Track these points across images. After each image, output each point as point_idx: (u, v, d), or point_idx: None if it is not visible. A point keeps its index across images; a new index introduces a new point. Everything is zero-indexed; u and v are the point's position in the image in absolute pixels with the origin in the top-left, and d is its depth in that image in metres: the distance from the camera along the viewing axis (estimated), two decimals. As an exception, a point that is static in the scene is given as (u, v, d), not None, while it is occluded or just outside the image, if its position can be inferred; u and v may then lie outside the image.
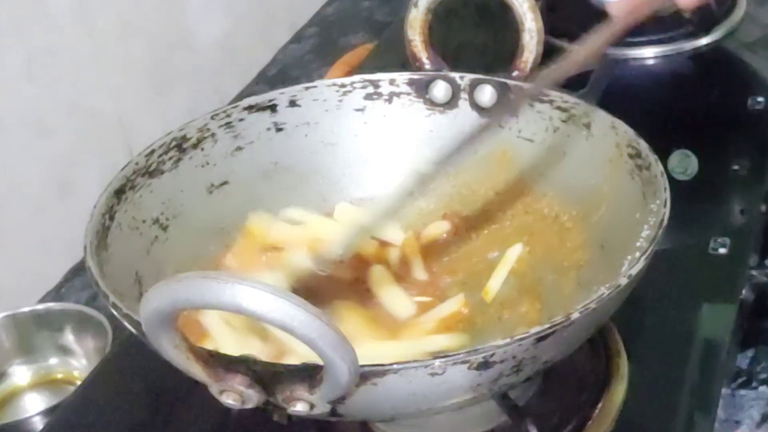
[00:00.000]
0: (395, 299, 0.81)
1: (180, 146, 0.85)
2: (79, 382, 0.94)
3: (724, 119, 1.08)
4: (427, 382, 0.61)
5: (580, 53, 0.80)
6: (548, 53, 0.94)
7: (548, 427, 0.77)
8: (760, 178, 0.99)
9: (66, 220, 1.08)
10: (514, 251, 0.83)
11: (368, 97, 0.90)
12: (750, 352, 0.88)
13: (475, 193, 0.89)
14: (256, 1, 1.38)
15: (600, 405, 0.78)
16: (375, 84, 0.90)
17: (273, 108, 0.89)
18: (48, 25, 1.05)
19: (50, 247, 1.09)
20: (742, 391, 0.85)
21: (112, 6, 1.12)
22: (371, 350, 0.74)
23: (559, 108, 0.85)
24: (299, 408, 0.60)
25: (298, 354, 0.66)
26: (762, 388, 0.85)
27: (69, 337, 1.00)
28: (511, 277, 0.83)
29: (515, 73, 0.91)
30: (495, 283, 0.82)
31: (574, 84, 0.94)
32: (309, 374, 0.59)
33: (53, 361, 1.01)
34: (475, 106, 0.89)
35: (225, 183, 0.87)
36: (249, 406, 0.61)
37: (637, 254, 0.70)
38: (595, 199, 0.81)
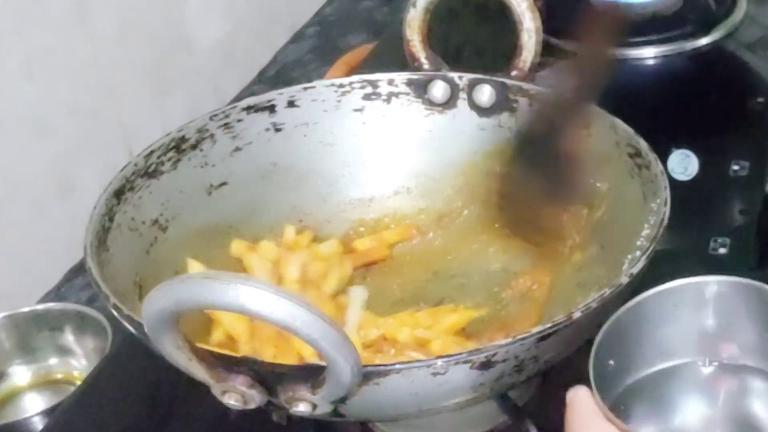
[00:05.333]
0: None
1: (179, 147, 0.85)
2: (78, 382, 0.94)
3: (724, 119, 1.08)
4: (429, 382, 0.62)
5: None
6: (547, 53, 0.94)
7: (548, 427, 0.77)
8: (760, 178, 0.99)
9: (66, 221, 1.08)
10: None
11: (367, 97, 0.90)
12: (750, 352, 0.88)
13: (475, 192, 0.89)
14: (255, 1, 1.37)
15: (600, 405, 0.78)
16: (374, 84, 0.90)
17: (272, 108, 0.89)
18: (48, 25, 1.05)
19: (50, 247, 1.09)
20: (742, 391, 0.85)
21: (111, 6, 1.12)
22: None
23: (558, 108, 0.85)
24: (301, 408, 0.60)
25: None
26: (762, 388, 0.85)
27: (69, 338, 1.00)
28: (511, 278, 0.83)
29: (514, 73, 0.91)
30: None
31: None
32: (311, 374, 0.59)
33: (53, 361, 1.01)
34: (474, 105, 0.89)
35: (224, 184, 0.87)
36: (251, 406, 0.61)
37: (638, 253, 0.70)
38: (595, 198, 0.81)
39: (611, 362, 0.56)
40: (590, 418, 0.49)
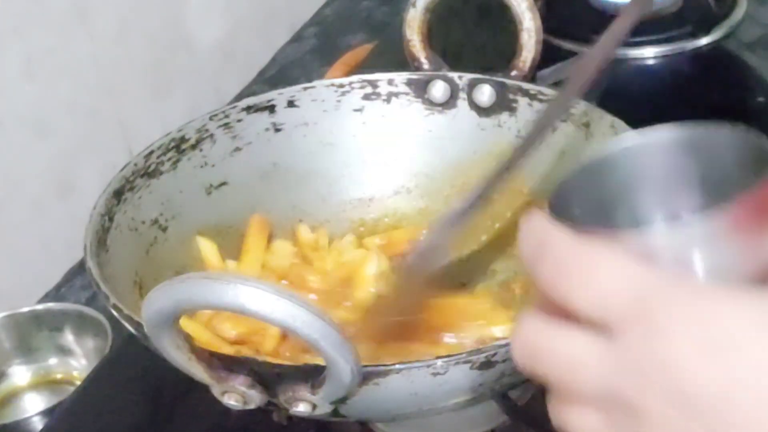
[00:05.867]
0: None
1: (178, 147, 0.85)
2: (78, 383, 0.94)
3: (724, 119, 1.07)
4: (429, 382, 0.62)
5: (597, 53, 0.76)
6: (547, 52, 0.94)
7: (548, 427, 0.77)
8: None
9: (66, 221, 1.08)
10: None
11: (366, 97, 0.90)
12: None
13: (475, 193, 0.89)
14: (255, 1, 1.37)
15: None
16: (373, 84, 0.90)
17: (271, 108, 0.89)
18: (48, 25, 1.04)
19: (50, 247, 1.09)
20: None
21: (111, 6, 1.12)
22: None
23: (558, 108, 0.85)
24: (301, 408, 0.61)
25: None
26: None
27: (68, 338, 1.00)
28: (511, 277, 0.83)
29: (514, 73, 0.91)
30: None
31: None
32: (311, 374, 0.59)
33: (53, 361, 1.01)
34: (474, 105, 0.89)
35: (224, 184, 0.87)
36: (251, 406, 0.61)
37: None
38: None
39: (576, 210, 0.51)
40: (547, 231, 0.45)
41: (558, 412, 0.46)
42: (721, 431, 0.41)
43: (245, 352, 0.75)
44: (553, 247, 0.44)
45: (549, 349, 0.45)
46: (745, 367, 0.41)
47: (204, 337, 0.76)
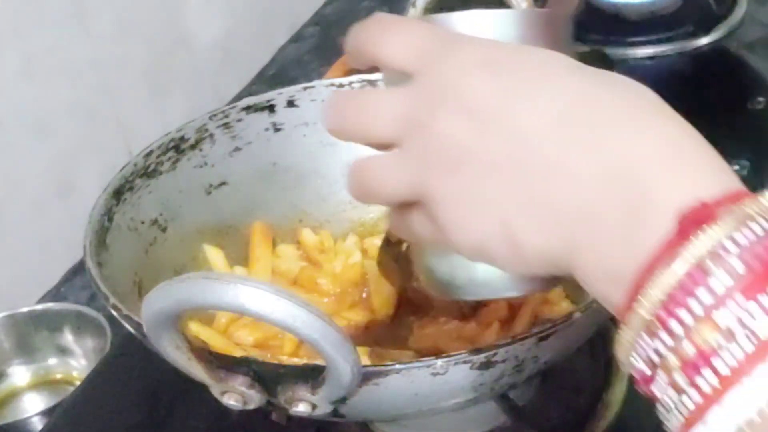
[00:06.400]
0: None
1: (178, 147, 0.85)
2: (78, 383, 0.94)
3: (724, 119, 1.07)
4: (429, 382, 0.61)
5: None
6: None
7: (548, 427, 0.77)
8: (760, 178, 0.99)
9: (65, 221, 1.07)
10: None
11: (367, 97, 0.90)
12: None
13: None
14: (255, 1, 1.37)
15: (599, 405, 0.78)
16: (373, 84, 0.90)
17: (271, 108, 0.89)
18: (47, 25, 1.04)
19: (49, 247, 1.09)
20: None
21: (111, 6, 1.12)
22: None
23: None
24: (301, 408, 0.60)
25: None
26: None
27: (68, 338, 1.00)
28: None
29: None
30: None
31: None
32: (311, 375, 0.59)
33: (52, 361, 1.01)
34: (474, 105, 0.89)
35: (223, 184, 0.87)
36: (251, 406, 0.61)
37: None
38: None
39: None
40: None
41: (365, 178, 0.53)
42: (503, 138, 0.47)
43: (261, 356, 0.75)
44: (376, 17, 0.56)
45: (356, 104, 0.53)
46: (521, 81, 0.48)
47: (219, 344, 0.76)
